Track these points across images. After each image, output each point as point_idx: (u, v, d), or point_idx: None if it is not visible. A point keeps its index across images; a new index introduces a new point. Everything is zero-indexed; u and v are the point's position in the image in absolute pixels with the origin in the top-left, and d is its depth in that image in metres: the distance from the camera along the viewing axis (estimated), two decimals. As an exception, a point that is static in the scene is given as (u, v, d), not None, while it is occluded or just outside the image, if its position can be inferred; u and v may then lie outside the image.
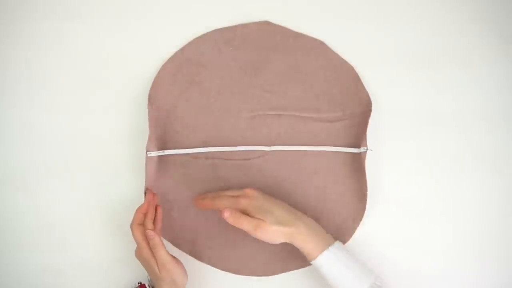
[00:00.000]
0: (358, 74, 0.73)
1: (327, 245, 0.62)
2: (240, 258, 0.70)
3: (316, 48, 0.73)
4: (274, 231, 0.62)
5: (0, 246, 0.72)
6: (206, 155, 0.71)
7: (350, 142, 0.71)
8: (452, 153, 0.73)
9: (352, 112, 0.72)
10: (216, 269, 0.70)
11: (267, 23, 0.73)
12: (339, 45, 0.74)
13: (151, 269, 0.64)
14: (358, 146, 0.70)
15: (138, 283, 0.68)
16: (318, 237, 0.63)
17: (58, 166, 0.73)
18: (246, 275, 0.70)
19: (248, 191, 0.64)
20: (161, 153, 0.70)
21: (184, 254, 0.70)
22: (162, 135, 0.71)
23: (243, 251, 0.70)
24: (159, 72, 0.72)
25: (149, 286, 0.67)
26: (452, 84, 0.74)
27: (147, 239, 0.64)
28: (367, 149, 0.69)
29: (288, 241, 0.63)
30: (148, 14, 0.75)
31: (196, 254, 0.70)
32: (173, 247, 0.71)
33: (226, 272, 0.70)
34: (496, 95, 0.73)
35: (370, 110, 0.71)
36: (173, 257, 0.65)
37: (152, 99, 0.71)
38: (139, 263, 0.65)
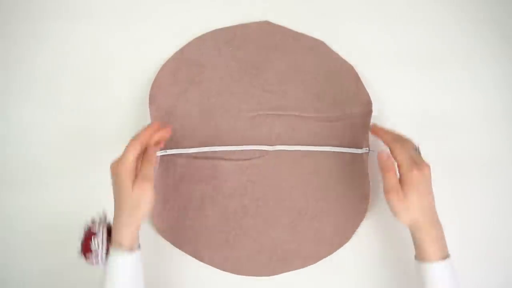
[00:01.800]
0: (358, 74, 0.73)
1: (447, 253, 0.60)
2: (240, 258, 0.70)
3: (316, 48, 0.73)
4: (408, 211, 0.60)
5: (0, 246, 0.72)
6: (206, 155, 0.71)
7: (350, 142, 0.71)
8: (452, 153, 0.73)
9: (352, 112, 0.72)
10: (216, 269, 0.70)
11: (267, 23, 0.73)
12: (339, 45, 0.74)
13: (122, 186, 0.59)
14: (359, 147, 0.71)
15: (88, 227, 0.62)
16: (443, 243, 0.61)
17: (58, 166, 0.73)
18: (246, 275, 0.70)
19: (427, 167, 0.60)
20: (163, 152, 0.70)
21: (185, 254, 0.70)
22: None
23: (243, 251, 0.70)
24: (159, 72, 0.72)
25: (99, 224, 0.62)
26: (452, 84, 0.74)
27: (137, 155, 0.61)
28: (369, 150, 0.70)
29: (412, 230, 0.61)
30: (148, 15, 0.75)
31: (197, 254, 0.70)
32: (174, 247, 0.70)
33: (226, 272, 0.70)
34: (497, 95, 0.74)
35: (371, 111, 0.71)
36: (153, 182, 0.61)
37: (152, 99, 0.71)
38: None
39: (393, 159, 0.61)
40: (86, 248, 0.61)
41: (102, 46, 0.75)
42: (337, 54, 0.73)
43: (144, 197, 0.59)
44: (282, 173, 0.71)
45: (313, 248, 0.70)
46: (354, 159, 0.71)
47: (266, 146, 0.71)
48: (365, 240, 0.71)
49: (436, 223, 0.61)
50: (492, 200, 0.72)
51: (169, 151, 0.70)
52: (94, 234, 0.61)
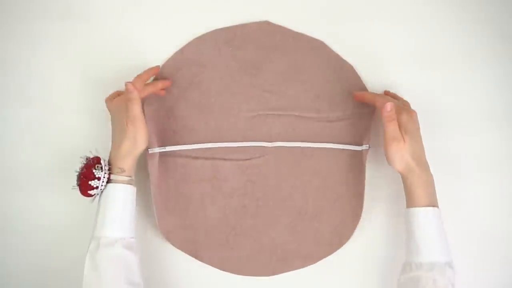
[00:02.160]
0: (359, 74, 0.73)
1: (436, 203, 0.63)
2: (240, 258, 0.70)
3: (316, 48, 0.73)
4: (403, 156, 0.63)
5: (0, 246, 0.72)
6: (206, 156, 0.71)
7: (350, 142, 0.71)
8: (453, 153, 0.72)
9: (352, 112, 0.72)
10: (216, 269, 0.70)
11: (267, 23, 0.73)
12: (339, 45, 0.73)
13: (118, 121, 0.64)
14: (359, 144, 0.70)
15: (94, 156, 0.64)
16: (432, 191, 0.64)
17: (58, 166, 0.73)
18: (246, 275, 0.70)
19: (413, 111, 0.65)
20: (162, 149, 0.70)
21: (184, 254, 0.70)
22: (162, 135, 0.71)
23: (243, 251, 0.70)
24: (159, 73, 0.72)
25: (104, 160, 0.64)
26: (453, 84, 0.74)
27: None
28: (369, 147, 0.70)
29: (404, 174, 0.64)
30: (147, 15, 0.75)
31: (196, 254, 0.70)
32: (173, 247, 0.70)
33: (226, 272, 0.70)
34: (497, 95, 0.73)
35: (373, 110, 0.71)
36: (143, 118, 0.64)
37: (148, 101, 0.71)
38: None
39: (394, 110, 0.64)
40: (88, 175, 0.62)
41: (102, 46, 0.74)
42: (337, 54, 0.73)
43: (139, 134, 0.63)
44: (282, 173, 0.71)
45: (313, 248, 0.70)
46: (353, 158, 0.71)
47: (266, 143, 0.71)
48: (364, 240, 0.71)
49: (427, 169, 0.64)
50: (493, 200, 0.72)
51: (172, 148, 0.70)
52: (100, 159, 0.63)
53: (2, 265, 0.72)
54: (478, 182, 0.72)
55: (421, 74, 0.74)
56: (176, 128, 0.71)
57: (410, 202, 0.63)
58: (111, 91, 0.73)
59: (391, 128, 0.63)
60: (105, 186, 0.62)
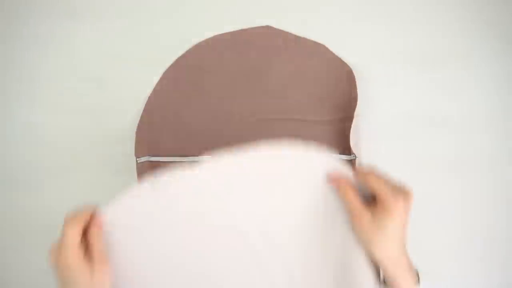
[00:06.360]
0: (362, 75, 0.72)
1: (417, 278, 0.55)
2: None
3: (317, 52, 0.73)
4: (383, 241, 0.52)
5: (0, 246, 0.73)
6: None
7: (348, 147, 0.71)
8: (454, 153, 0.73)
9: (353, 115, 0.72)
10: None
11: (268, 28, 0.73)
12: (341, 48, 0.73)
13: (78, 274, 0.50)
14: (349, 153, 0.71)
15: None
16: (411, 269, 0.54)
17: (58, 166, 0.73)
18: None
19: (412, 196, 0.52)
20: (152, 158, 0.70)
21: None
22: (164, 141, 0.71)
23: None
24: (160, 79, 0.72)
25: None
26: (452, 84, 0.74)
27: (80, 239, 0.51)
28: (355, 157, 0.70)
29: (385, 264, 0.53)
30: (149, 19, 0.75)
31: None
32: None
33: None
34: (497, 95, 0.74)
35: (352, 117, 0.70)
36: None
37: (150, 105, 0.71)
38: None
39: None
40: None
41: (104, 49, 0.74)
42: (338, 57, 0.73)
43: (109, 281, 0.52)
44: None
45: None
46: (348, 165, 0.71)
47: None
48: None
49: (406, 251, 0.54)
50: (492, 200, 0.73)
51: (161, 158, 0.70)
52: None
53: (2, 265, 0.72)
54: (477, 182, 0.73)
55: (422, 75, 0.74)
56: (180, 134, 0.71)
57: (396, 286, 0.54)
58: (111, 92, 0.73)
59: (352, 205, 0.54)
60: None
